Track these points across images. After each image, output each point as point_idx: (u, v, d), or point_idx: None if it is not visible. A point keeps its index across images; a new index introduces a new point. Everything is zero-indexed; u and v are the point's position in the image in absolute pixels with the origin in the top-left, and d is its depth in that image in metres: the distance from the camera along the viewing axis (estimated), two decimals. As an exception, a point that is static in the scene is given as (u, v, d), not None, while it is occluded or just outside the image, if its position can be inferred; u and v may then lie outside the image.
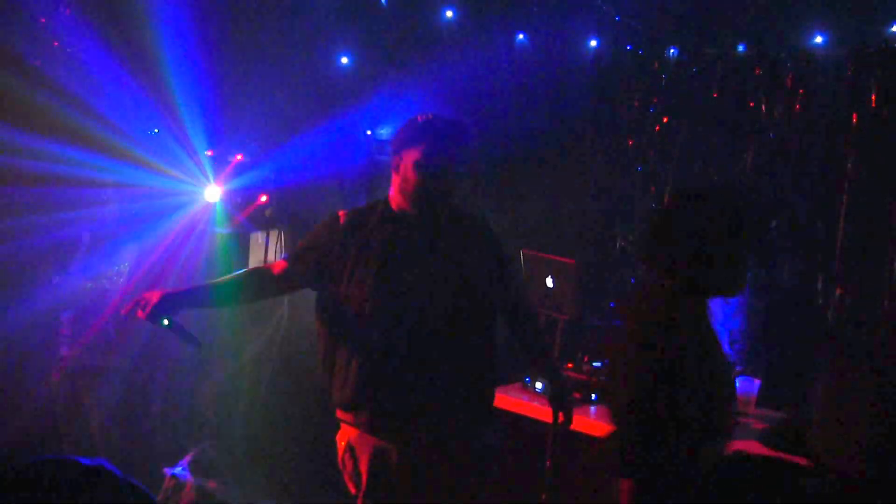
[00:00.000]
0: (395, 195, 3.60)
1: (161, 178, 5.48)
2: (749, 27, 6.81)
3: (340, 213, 3.65)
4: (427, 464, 3.51)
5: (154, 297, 3.39)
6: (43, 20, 5.53)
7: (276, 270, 3.64)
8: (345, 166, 7.00)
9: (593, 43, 7.40)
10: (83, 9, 5.53)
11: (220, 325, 5.79)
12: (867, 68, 6.19)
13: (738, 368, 5.22)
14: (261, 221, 6.12)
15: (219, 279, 3.66)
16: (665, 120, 7.30)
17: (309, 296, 5.96)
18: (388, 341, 3.44)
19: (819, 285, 6.26)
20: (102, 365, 5.62)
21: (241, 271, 3.69)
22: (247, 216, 5.94)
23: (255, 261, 6.03)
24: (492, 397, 3.71)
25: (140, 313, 3.39)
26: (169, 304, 3.41)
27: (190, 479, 5.04)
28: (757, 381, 4.82)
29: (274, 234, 6.28)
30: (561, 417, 3.85)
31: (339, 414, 3.67)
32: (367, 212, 3.65)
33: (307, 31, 6.64)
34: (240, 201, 5.88)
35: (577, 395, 4.68)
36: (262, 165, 6.13)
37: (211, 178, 5.68)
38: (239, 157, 5.89)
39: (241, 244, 5.92)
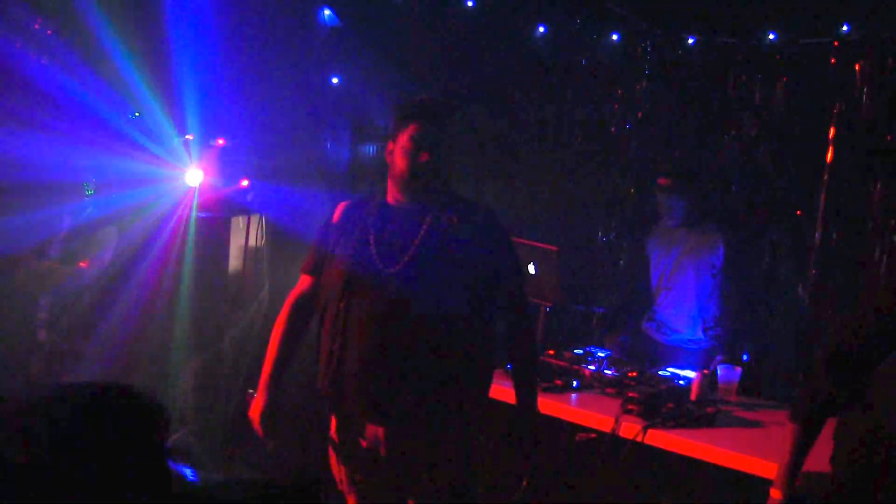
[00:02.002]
0: (390, 185, 3.58)
1: (140, 163, 5.43)
2: (728, 17, 6.86)
3: (340, 204, 3.69)
4: (404, 451, 3.50)
5: (256, 416, 3.64)
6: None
7: (308, 289, 3.67)
8: (326, 151, 6.99)
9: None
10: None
11: (199, 311, 5.76)
12: (850, 56, 6.26)
13: (718, 358, 5.23)
14: (242, 206, 6.09)
15: (277, 341, 3.72)
16: (644, 110, 7.34)
17: (290, 280, 5.93)
18: (358, 327, 3.42)
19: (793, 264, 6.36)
20: (80, 350, 5.58)
21: (286, 320, 3.71)
22: (228, 200, 5.90)
23: (235, 245, 6.00)
24: (474, 391, 3.60)
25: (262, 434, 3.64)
26: (270, 412, 3.65)
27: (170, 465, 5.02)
28: (738, 369, 4.83)
29: (255, 219, 6.25)
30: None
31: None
32: (364, 200, 3.65)
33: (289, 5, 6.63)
34: (221, 185, 5.84)
35: (558, 382, 4.68)
36: (244, 149, 6.09)
37: (192, 161, 5.64)
38: (220, 140, 5.85)
39: (221, 228, 5.88)
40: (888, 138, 6.08)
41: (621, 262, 7.20)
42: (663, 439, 4.10)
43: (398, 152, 3.49)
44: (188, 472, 5.16)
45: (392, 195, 3.56)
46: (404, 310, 3.40)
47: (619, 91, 7.46)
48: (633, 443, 4.08)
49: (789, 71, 6.70)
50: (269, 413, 3.66)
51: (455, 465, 3.55)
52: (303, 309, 3.69)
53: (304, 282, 3.69)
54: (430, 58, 7.19)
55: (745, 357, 5.39)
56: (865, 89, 6.19)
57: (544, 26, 7.46)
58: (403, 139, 3.46)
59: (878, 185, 6.09)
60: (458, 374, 3.48)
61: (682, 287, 5.56)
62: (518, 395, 3.71)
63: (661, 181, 5.62)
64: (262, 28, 6.33)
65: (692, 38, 7.21)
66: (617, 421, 4.17)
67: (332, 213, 3.66)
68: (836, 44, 6.42)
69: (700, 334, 5.52)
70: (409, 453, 3.50)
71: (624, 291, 6.34)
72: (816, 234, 6.40)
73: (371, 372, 3.41)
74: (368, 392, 3.44)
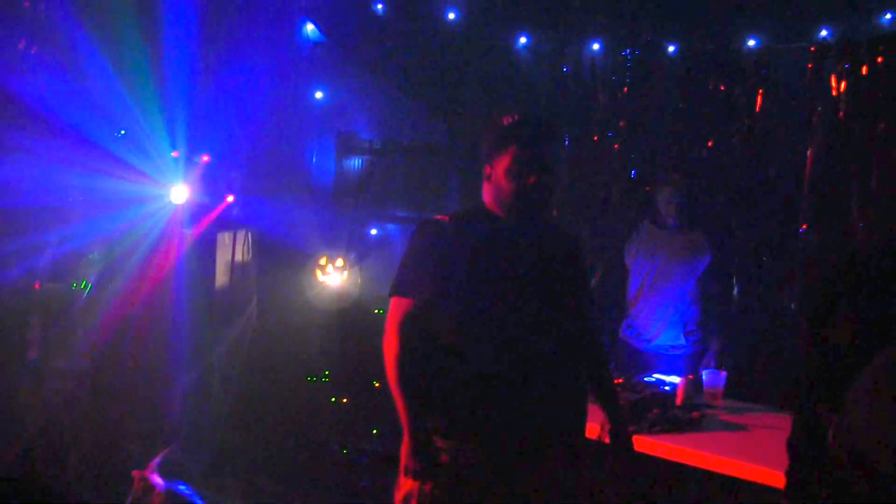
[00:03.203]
0: (490, 203, 3.44)
1: (126, 182, 5.45)
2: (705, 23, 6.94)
3: (441, 217, 3.45)
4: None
5: (413, 462, 3.32)
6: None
7: (413, 312, 3.31)
8: (312, 165, 7.03)
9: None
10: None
11: (188, 327, 5.78)
12: (828, 60, 6.32)
13: (705, 362, 5.25)
14: (227, 222, 6.12)
15: (403, 375, 3.30)
16: (622, 123, 7.39)
17: (278, 293, 5.95)
18: (491, 358, 3.26)
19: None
20: (70, 367, 5.59)
21: (402, 350, 3.29)
22: (214, 217, 5.93)
23: (221, 262, 6.03)
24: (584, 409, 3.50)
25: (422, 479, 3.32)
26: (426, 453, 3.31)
27: (159, 481, 5.03)
28: (723, 374, 4.85)
29: (241, 234, 6.28)
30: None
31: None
32: (468, 217, 3.45)
33: (272, 21, 6.67)
34: (206, 202, 5.87)
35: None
36: (229, 165, 6.12)
37: (177, 178, 5.66)
38: (205, 157, 5.87)
39: (208, 244, 5.91)
40: (868, 141, 6.13)
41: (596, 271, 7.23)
42: (649, 445, 4.12)
43: (502, 175, 3.34)
44: (182, 487, 5.17)
45: (496, 214, 3.41)
46: (540, 330, 3.32)
47: (601, 99, 7.52)
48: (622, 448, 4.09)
49: (769, 76, 6.77)
50: (425, 455, 3.31)
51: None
52: (412, 333, 3.31)
53: (406, 304, 3.32)
54: (413, 70, 7.25)
55: (733, 361, 5.42)
56: (843, 93, 6.25)
57: (527, 36, 7.52)
58: (506, 162, 3.32)
59: (857, 188, 6.15)
60: (581, 394, 3.46)
61: (666, 292, 5.54)
62: (608, 413, 3.68)
63: (670, 177, 5.64)
64: (246, 44, 6.37)
65: (673, 45, 7.28)
66: (603, 428, 4.19)
67: (434, 232, 3.39)
68: (811, 49, 6.50)
69: (682, 339, 5.52)
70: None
71: (600, 298, 6.36)
72: (801, 237, 6.46)
73: (520, 395, 3.26)
74: (516, 419, 3.26)
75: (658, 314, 5.56)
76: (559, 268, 3.46)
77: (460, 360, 3.27)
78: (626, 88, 7.37)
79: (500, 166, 3.33)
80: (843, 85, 6.23)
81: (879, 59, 6.05)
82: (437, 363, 3.29)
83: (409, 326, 3.31)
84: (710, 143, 6.92)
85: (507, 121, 3.37)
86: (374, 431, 6.25)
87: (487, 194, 3.45)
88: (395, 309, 3.35)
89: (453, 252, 3.30)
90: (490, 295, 3.28)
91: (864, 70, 6.10)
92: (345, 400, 6.25)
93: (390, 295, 3.39)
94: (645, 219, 5.72)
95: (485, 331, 3.26)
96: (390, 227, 7.36)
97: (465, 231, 3.36)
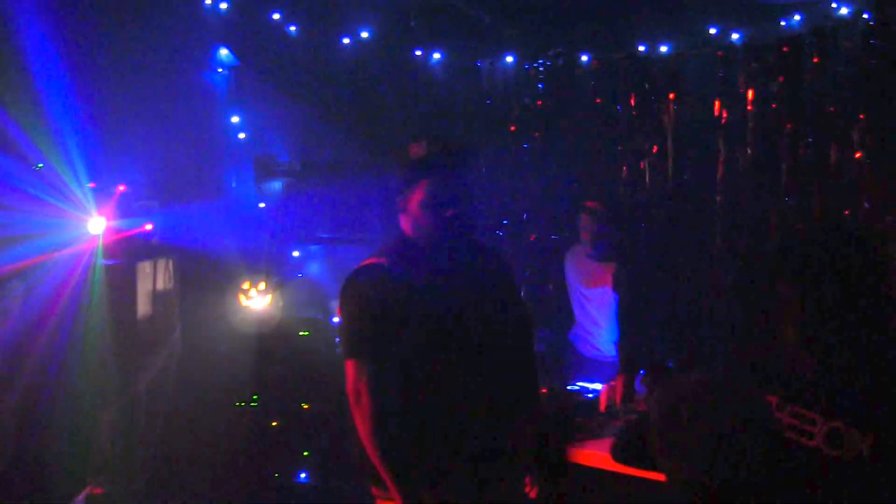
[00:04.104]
0: (412, 234, 3.33)
1: (43, 216, 5.40)
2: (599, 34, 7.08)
3: (374, 261, 3.27)
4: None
5: None
6: None
7: (374, 373, 3.12)
8: (230, 189, 7.01)
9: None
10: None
11: (111, 358, 5.73)
12: (736, 64, 6.46)
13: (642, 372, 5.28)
14: (147, 251, 6.08)
15: (384, 444, 3.11)
16: (536, 134, 7.48)
17: (202, 320, 5.91)
18: (457, 386, 3.20)
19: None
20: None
21: (379, 417, 3.10)
22: (132, 244, 5.88)
23: (143, 291, 5.98)
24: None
25: None
26: None
27: None
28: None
29: (162, 263, 6.24)
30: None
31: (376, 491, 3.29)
32: (398, 254, 3.29)
33: (185, 49, 6.65)
34: (125, 231, 5.82)
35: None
36: (148, 194, 6.09)
37: (94, 209, 5.62)
38: (122, 187, 5.84)
39: (128, 274, 5.86)
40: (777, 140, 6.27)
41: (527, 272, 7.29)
42: (573, 453, 4.14)
43: (416, 208, 3.24)
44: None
45: (416, 241, 3.31)
46: (493, 354, 3.27)
47: (516, 110, 7.62)
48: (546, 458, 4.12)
49: (679, 82, 6.90)
50: None
51: None
52: (387, 397, 3.12)
53: (368, 367, 3.13)
54: (329, 90, 7.27)
55: (669, 366, 5.45)
56: (750, 95, 6.39)
57: (440, 52, 7.59)
58: (419, 195, 3.23)
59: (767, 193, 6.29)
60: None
61: (595, 311, 5.59)
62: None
63: (590, 204, 5.50)
64: (159, 71, 6.34)
65: (586, 55, 7.39)
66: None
67: (372, 283, 3.21)
68: (720, 53, 6.64)
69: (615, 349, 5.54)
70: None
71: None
72: (717, 242, 6.58)
73: (485, 423, 3.23)
74: (482, 446, 3.24)
75: (593, 328, 5.61)
76: (497, 290, 3.44)
77: (430, 407, 3.17)
78: (539, 101, 7.47)
79: (414, 200, 3.24)
80: (750, 87, 6.39)
81: (783, 60, 6.21)
82: (409, 416, 3.15)
83: (379, 389, 3.11)
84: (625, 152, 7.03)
85: (415, 151, 3.28)
86: (306, 454, 6.24)
87: (406, 225, 3.34)
88: (359, 372, 3.14)
89: (396, 300, 3.15)
90: (443, 337, 3.18)
91: (771, 72, 6.25)
92: (274, 424, 6.23)
93: (347, 358, 3.19)
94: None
95: (447, 373, 3.18)
96: (313, 248, 7.35)
97: (402, 275, 3.20)
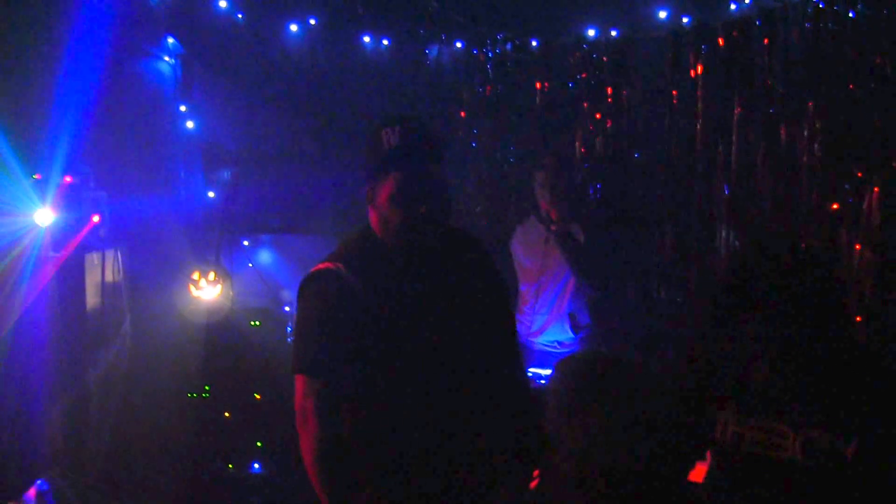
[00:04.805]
0: (377, 227, 3.03)
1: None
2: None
3: (329, 265, 2.98)
4: None
5: None
6: None
7: (323, 393, 2.84)
8: (180, 182, 6.95)
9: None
10: None
11: (59, 352, 5.66)
12: (685, 47, 6.51)
13: None
14: (95, 242, 6.01)
15: (332, 472, 2.83)
16: (491, 114, 7.48)
17: (152, 311, 5.84)
18: (423, 403, 2.92)
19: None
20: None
21: (325, 445, 2.83)
22: (80, 238, 5.82)
23: (91, 283, 5.91)
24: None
25: None
26: None
27: (35, 512, 4.91)
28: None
29: (110, 254, 6.17)
30: None
31: None
32: (359, 256, 3.01)
33: (131, 37, 6.58)
34: (72, 223, 5.75)
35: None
36: (93, 185, 6.01)
37: (40, 201, 5.54)
38: (68, 178, 5.76)
39: (75, 266, 5.78)
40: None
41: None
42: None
43: (385, 202, 2.95)
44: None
45: (382, 237, 3.03)
46: (469, 379, 2.97)
47: (466, 98, 7.62)
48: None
49: (628, 66, 6.95)
50: None
51: None
52: (335, 419, 2.86)
53: (317, 385, 2.86)
54: (276, 78, 7.23)
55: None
56: (700, 76, 6.44)
57: (388, 39, 7.56)
58: (389, 188, 2.93)
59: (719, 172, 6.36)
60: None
61: (550, 286, 5.63)
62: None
63: (543, 161, 5.69)
64: (104, 60, 6.27)
65: (535, 40, 7.40)
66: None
67: (328, 290, 2.93)
68: (669, 36, 6.68)
69: (570, 333, 5.58)
70: None
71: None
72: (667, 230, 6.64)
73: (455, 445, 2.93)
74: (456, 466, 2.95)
75: (545, 308, 5.61)
76: (473, 284, 3.11)
77: (387, 439, 2.91)
78: (489, 87, 7.47)
79: (384, 192, 2.94)
80: (700, 69, 6.42)
81: (733, 43, 6.26)
82: (361, 448, 2.88)
83: (328, 411, 2.84)
84: (577, 143, 7.05)
85: (387, 138, 2.93)
86: (259, 444, 6.22)
87: (372, 218, 3.06)
88: (307, 390, 2.87)
89: (354, 311, 2.88)
90: (407, 357, 2.91)
91: (720, 53, 6.30)
92: (227, 414, 6.20)
93: (296, 372, 2.92)
94: (531, 215, 5.77)
95: (410, 399, 2.91)
96: (264, 237, 7.32)
97: (362, 282, 2.92)
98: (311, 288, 2.98)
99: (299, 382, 2.90)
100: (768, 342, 2.61)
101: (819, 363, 2.57)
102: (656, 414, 2.40)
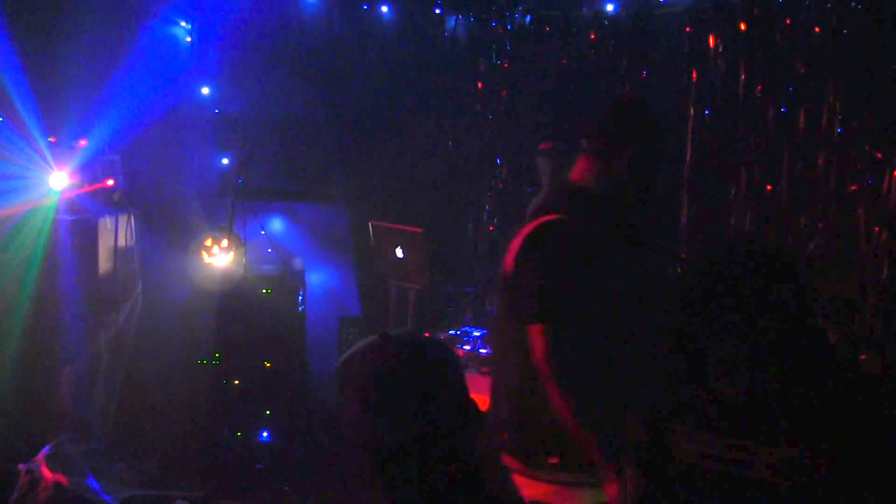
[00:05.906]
0: (590, 181, 3.15)
1: (3, 170, 5.32)
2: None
3: (551, 218, 3.03)
4: None
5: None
6: None
7: (562, 336, 2.88)
8: (194, 147, 6.94)
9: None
10: None
11: (71, 315, 5.66)
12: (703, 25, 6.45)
13: None
14: (109, 206, 6.00)
15: (582, 399, 2.86)
16: (504, 93, 7.45)
17: (164, 276, 5.82)
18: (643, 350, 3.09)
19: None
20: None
21: (570, 379, 2.86)
22: (93, 200, 5.81)
23: (104, 247, 5.91)
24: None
25: None
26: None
27: (47, 474, 4.91)
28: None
29: (123, 219, 6.17)
30: None
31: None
32: (581, 206, 3.08)
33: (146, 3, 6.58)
34: (86, 187, 5.75)
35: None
36: (110, 150, 6.01)
37: (55, 164, 5.54)
38: (83, 142, 5.75)
39: (89, 230, 5.78)
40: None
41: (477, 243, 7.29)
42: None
43: (619, 165, 3.10)
44: (69, 478, 5.03)
45: (601, 192, 3.12)
46: (656, 324, 3.22)
47: (483, 69, 7.59)
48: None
49: (648, 42, 6.90)
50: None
51: None
52: (576, 356, 2.87)
53: (553, 331, 2.89)
54: (289, 46, 7.21)
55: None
56: (720, 58, 6.39)
57: (404, 10, 7.53)
58: (627, 155, 3.09)
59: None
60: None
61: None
62: None
63: (543, 146, 5.69)
64: (121, 26, 6.27)
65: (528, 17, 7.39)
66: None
67: (563, 227, 3.01)
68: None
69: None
70: None
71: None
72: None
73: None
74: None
75: None
76: (651, 240, 3.32)
77: (618, 372, 2.95)
78: (506, 62, 7.44)
79: (626, 154, 3.08)
80: (720, 47, 6.37)
81: (753, 22, 6.21)
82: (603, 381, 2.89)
83: (568, 349, 2.86)
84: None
85: (640, 114, 3.16)
86: (268, 413, 6.22)
87: (592, 170, 3.15)
88: (554, 338, 2.89)
89: (587, 259, 2.94)
90: (630, 293, 3.03)
91: (740, 31, 6.25)
92: (236, 382, 6.19)
93: (535, 322, 2.92)
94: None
95: (628, 339, 3.00)
96: (276, 204, 7.30)
97: (585, 230, 2.99)
98: (546, 237, 3.00)
99: (540, 332, 2.90)
100: (735, 357, 2.59)
101: (789, 377, 2.55)
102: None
